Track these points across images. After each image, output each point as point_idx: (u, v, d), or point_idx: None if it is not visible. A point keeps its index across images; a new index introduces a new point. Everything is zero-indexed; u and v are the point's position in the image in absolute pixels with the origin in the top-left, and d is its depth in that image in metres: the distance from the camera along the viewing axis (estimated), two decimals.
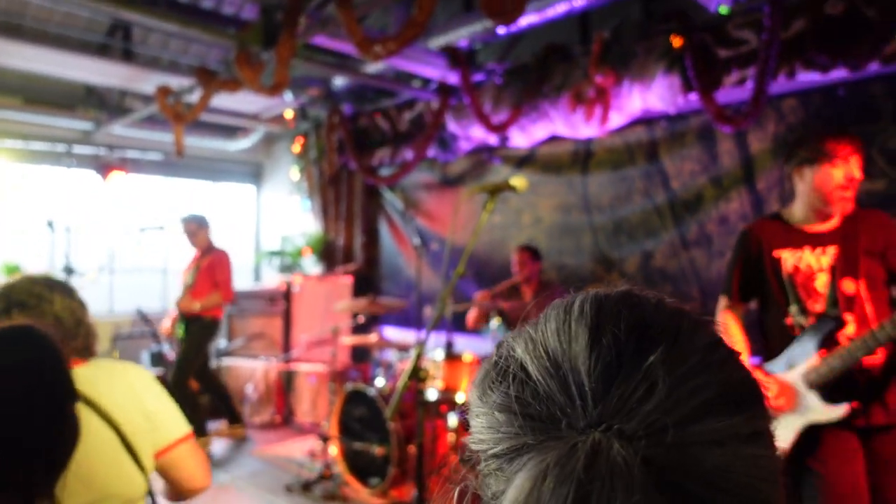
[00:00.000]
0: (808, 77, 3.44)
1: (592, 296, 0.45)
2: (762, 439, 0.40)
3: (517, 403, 0.41)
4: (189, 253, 5.30)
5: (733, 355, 0.43)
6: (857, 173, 2.18)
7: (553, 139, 4.79)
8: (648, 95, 3.94)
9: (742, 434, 0.38)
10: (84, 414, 1.44)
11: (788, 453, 2.21)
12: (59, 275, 5.23)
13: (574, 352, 0.41)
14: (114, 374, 1.55)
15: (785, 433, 2.22)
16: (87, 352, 1.60)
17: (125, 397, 1.51)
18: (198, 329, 4.99)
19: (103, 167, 6.09)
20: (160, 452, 1.54)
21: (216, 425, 5.54)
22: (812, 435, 2.18)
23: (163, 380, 5.55)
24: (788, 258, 2.25)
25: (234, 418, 5.43)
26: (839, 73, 3.35)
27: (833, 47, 3.29)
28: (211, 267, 5.06)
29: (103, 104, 6.06)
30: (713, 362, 0.40)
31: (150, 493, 1.56)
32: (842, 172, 2.19)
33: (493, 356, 0.47)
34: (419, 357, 2.04)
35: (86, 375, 1.51)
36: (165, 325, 5.27)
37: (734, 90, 3.71)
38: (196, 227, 5.17)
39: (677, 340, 0.41)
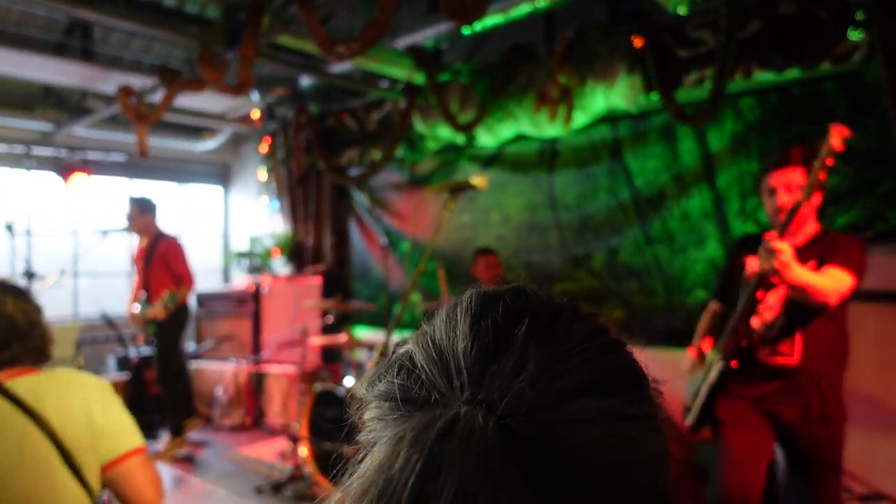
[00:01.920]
0: (764, 76, 3.53)
1: (482, 290, 0.48)
2: (640, 422, 0.41)
3: (400, 391, 0.43)
4: (134, 241, 5.12)
5: (615, 345, 0.45)
6: (785, 198, 2.27)
7: (519, 138, 4.84)
8: (611, 94, 4.00)
9: (615, 415, 0.40)
10: (24, 426, 1.41)
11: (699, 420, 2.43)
12: (20, 279, 5.11)
13: (456, 338, 0.43)
14: (64, 386, 1.51)
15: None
16: (42, 355, 1.58)
17: (73, 411, 1.47)
18: (169, 322, 4.88)
19: (64, 169, 5.96)
20: (107, 466, 1.50)
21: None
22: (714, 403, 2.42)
23: (129, 384, 5.46)
24: (752, 263, 2.34)
25: (189, 415, 5.23)
26: (794, 73, 3.46)
27: (787, 47, 3.38)
28: (164, 257, 4.88)
29: (63, 105, 5.94)
30: (590, 348, 0.42)
31: None
32: (771, 202, 2.34)
33: (389, 354, 0.49)
34: (382, 356, 2.05)
35: (32, 385, 1.48)
36: (133, 313, 5.03)
37: (694, 90, 3.80)
38: (137, 211, 4.92)
39: (553, 326, 0.43)
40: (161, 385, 5.07)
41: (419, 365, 0.44)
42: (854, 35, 3.17)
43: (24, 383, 1.47)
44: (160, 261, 4.90)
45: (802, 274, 2.08)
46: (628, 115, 4.34)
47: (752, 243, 2.37)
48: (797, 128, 3.71)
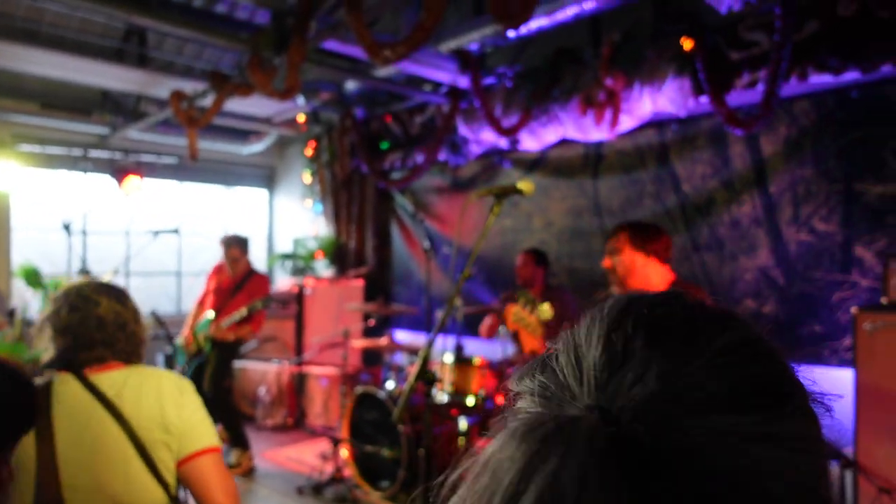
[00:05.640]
0: (820, 79, 3.41)
1: (630, 295, 0.49)
2: (784, 443, 0.39)
3: (539, 388, 0.45)
4: (210, 264, 5.20)
5: (762, 356, 0.43)
6: (609, 264, 2.56)
7: (563, 142, 4.78)
8: (659, 98, 3.92)
9: (748, 435, 0.38)
10: (103, 418, 1.47)
11: None
12: (75, 277, 5.30)
13: (591, 343, 0.45)
14: (144, 382, 1.56)
15: None
16: (131, 357, 1.63)
17: (150, 406, 1.52)
18: (226, 349, 4.87)
19: (118, 171, 6.16)
20: (181, 462, 1.54)
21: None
22: None
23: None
24: None
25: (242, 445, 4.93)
26: (852, 75, 3.32)
27: (845, 49, 3.25)
28: (251, 294, 4.88)
29: (119, 109, 6.14)
30: (728, 361, 0.41)
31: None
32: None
33: (547, 351, 0.51)
34: (426, 359, 2.05)
35: (115, 380, 1.54)
36: (185, 333, 5.07)
37: (746, 92, 3.69)
38: (239, 252, 4.99)
39: (689, 337, 0.42)
40: (211, 403, 4.99)
41: (560, 365, 0.46)
42: None
43: (108, 378, 1.54)
44: (247, 295, 4.89)
45: None
46: (676, 118, 4.25)
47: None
48: (856, 132, 3.57)
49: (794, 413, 0.40)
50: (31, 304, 6.21)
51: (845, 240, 3.62)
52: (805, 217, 3.76)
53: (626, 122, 4.16)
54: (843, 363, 3.52)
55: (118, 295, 1.64)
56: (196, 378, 4.76)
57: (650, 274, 2.45)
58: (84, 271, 5.38)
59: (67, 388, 1.52)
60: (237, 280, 5.00)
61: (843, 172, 3.63)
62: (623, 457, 0.36)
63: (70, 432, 1.47)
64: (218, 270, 5.14)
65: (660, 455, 0.36)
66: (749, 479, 0.36)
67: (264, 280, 5.10)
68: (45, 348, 1.60)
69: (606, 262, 2.56)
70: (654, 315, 0.44)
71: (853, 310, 3.00)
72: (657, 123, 4.37)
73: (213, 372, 4.77)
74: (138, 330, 1.65)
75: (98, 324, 1.57)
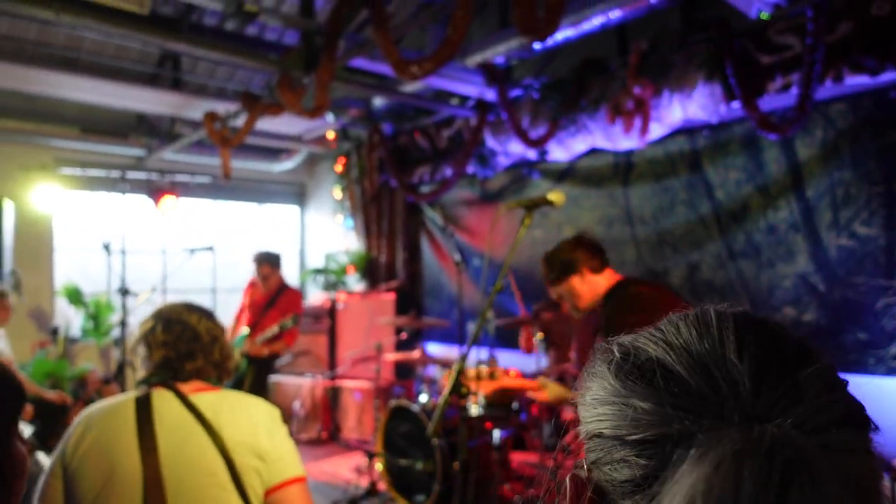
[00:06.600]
0: (856, 80, 3.33)
1: (720, 310, 0.50)
2: (876, 455, 0.45)
3: (667, 394, 0.45)
4: (244, 280, 5.28)
5: (844, 379, 0.48)
6: (555, 296, 2.48)
7: (593, 152, 4.76)
8: (689, 105, 3.88)
9: (866, 448, 0.44)
10: (201, 439, 1.50)
11: None
12: (115, 296, 5.42)
13: (724, 355, 0.46)
14: (238, 407, 1.60)
15: None
16: (223, 369, 1.71)
17: (244, 432, 1.55)
18: (262, 365, 4.95)
19: (155, 191, 6.32)
20: (270, 490, 1.55)
21: None
22: None
23: None
24: None
25: None
26: (890, 76, 3.24)
27: (881, 49, 3.18)
28: (284, 310, 4.93)
29: (154, 131, 6.31)
30: (839, 383, 0.46)
31: None
32: None
33: (618, 353, 0.51)
34: (460, 372, 2.04)
35: (212, 403, 1.58)
36: None
37: (779, 96, 3.62)
38: (270, 269, 5.05)
39: (813, 358, 0.46)
40: None
41: (678, 374, 0.46)
42: None
43: (205, 399, 1.59)
44: (280, 311, 4.94)
45: None
46: (707, 125, 4.19)
47: None
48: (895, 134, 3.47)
49: (875, 429, 0.46)
50: (73, 322, 6.39)
51: (888, 243, 3.51)
52: (845, 221, 3.67)
53: (656, 130, 4.12)
54: (889, 372, 3.40)
55: (206, 312, 1.75)
56: None
57: (595, 286, 2.40)
58: (123, 290, 5.52)
59: (167, 405, 1.55)
60: (270, 295, 5.06)
61: (884, 174, 3.53)
62: (804, 469, 0.39)
63: (171, 448, 1.49)
64: (252, 286, 5.22)
65: (821, 465, 0.40)
66: (866, 484, 0.42)
67: (297, 295, 5.16)
68: (139, 367, 1.67)
69: (553, 295, 2.55)
70: (773, 332, 0.48)
71: None
72: (688, 130, 4.32)
73: (251, 387, 4.82)
74: (227, 343, 1.75)
75: (194, 336, 1.65)
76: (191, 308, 1.73)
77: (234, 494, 1.49)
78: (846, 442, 0.42)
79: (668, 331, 0.50)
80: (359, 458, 5.02)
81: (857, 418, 0.44)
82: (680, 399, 0.44)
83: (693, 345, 0.47)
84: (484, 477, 3.79)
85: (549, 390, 2.78)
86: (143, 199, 6.56)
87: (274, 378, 6.35)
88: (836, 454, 0.41)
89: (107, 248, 5.43)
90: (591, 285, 2.36)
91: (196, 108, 5.40)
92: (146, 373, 1.64)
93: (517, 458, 4.30)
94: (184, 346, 1.63)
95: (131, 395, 1.58)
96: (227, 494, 1.49)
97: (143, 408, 1.53)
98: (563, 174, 5.22)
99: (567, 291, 2.38)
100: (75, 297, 6.25)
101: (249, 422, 1.57)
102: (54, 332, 6.12)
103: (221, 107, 5.23)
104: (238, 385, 4.90)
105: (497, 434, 3.96)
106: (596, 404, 0.49)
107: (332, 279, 7.08)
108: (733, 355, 0.45)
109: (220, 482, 1.48)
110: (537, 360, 4.11)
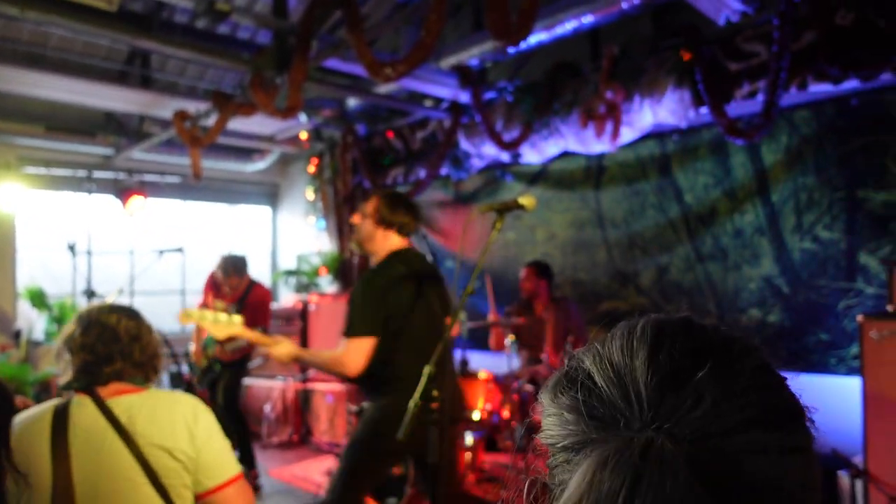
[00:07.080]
0: (820, 88, 3.43)
1: (654, 319, 0.52)
2: (804, 454, 0.46)
3: (584, 406, 0.49)
4: (202, 278, 5.20)
5: (779, 379, 0.49)
6: (357, 220, 2.77)
7: (565, 155, 4.80)
8: (659, 110, 3.94)
9: (784, 447, 0.44)
10: (115, 442, 1.47)
11: None
12: (81, 298, 5.30)
13: (634, 365, 0.48)
14: (159, 408, 1.55)
15: None
16: (147, 369, 1.65)
17: (163, 434, 1.51)
18: (235, 367, 4.88)
19: (123, 191, 6.20)
20: (204, 494, 1.53)
21: None
22: None
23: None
24: None
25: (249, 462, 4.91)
26: (851, 84, 3.34)
27: (844, 58, 3.27)
28: (254, 309, 4.82)
29: (122, 130, 6.19)
30: (759, 384, 0.46)
31: None
32: None
33: (565, 366, 0.55)
34: (430, 377, 2.04)
35: (130, 405, 1.54)
36: (194, 350, 5.01)
37: (746, 103, 3.71)
38: (238, 281, 4.92)
39: (727, 361, 0.47)
40: (226, 416, 4.96)
41: (599, 384, 0.49)
42: None
43: (124, 402, 1.55)
44: (250, 311, 4.76)
45: None
46: (677, 129, 4.27)
47: None
48: (857, 140, 3.58)
49: (804, 427, 0.48)
50: (37, 325, 6.23)
51: (849, 247, 3.62)
52: (808, 225, 3.76)
53: (627, 134, 4.18)
54: (850, 371, 3.50)
55: (129, 312, 1.69)
56: (210, 392, 4.83)
57: (387, 244, 2.68)
58: (89, 291, 5.40)
59: (84, 411, 1.52)
60: (238, 296, 4.99)
61: (846, 180, 3.63)
62: (702, 475, 0.41)
63: (85, 455, 1.47)
64: (213, 284, 5.11)
65: (727, 471, 0.42)
66: (782, 485, 0.43)
67: (265, 292, 5.05)
68: (63, 372, 1.62)
69: (355, 218, 2.74)
70: (690, 338, 0.49)
71: (859, 318, 2.99)
72: (658, 135, 4.39)
73: (226, 386, 4.80)
74: (152, 341, 1.69)
75: (113, 337, 1.60)
76: (112, 309, 1.68)
77: (157, 498, 1.47)
78: (747, 444, 0.43)
79: (606, 343, 0.52)
80: (330, 462, 4.98)
81: (770, 419, 0.44)
82: (595, 409, 0.48)
83: (615, 356, 0.50)
84: (455, 479, 3.79)
85: (281, 346, 2.71)
86: (110, 199, 6.43)
87: (245, 381, 6.28)
88: (727, 457, 0.42)
89: (72, 248, 5.31)
90: (384, 244, 2.72)
91: (166, 107, 5.31)
92: (68, 378, 1.59)
93: (489, 459, 4.32)
94: (102, 348, 1.59)
95: (52, 403, 1.55)
96: (146, 498, 1.46)
97: (60, 416, 1.50)
98: (536, 177, 5.26)
99: (368, 231, 2.73)
100: (38, 299, 6.09)
101: (169, 422, 1.53)
102: (17, 335, 5.96)
103: (192, 106, 5.15)
104: (212, 388, 4.83)
105: (469, 435, 3.97)
106: (544, 415, 0.53)
107: (305, 281, 7.02)
108: (643, 365, 0.47)
109: (139, 486, 1.46)
110: (509, 361, 4.13)
